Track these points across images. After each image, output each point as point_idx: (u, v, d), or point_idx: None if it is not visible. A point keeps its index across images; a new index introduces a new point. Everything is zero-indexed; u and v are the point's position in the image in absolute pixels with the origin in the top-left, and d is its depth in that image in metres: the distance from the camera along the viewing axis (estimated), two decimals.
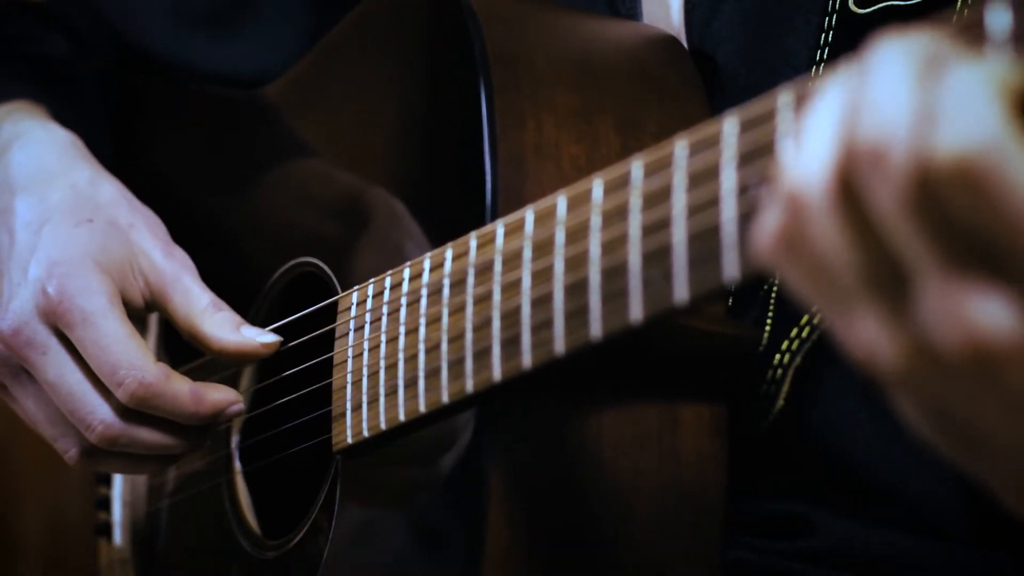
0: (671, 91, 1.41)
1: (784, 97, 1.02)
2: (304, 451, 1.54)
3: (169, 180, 1.82)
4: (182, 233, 1.64)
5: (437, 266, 1.34)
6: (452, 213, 1.37)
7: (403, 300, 1.37)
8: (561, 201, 1.23)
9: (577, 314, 1.20)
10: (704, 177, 1.09)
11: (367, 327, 1.42)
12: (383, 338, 1.39)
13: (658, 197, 1.13)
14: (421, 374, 1.33)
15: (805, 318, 1.35)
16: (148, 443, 1.52)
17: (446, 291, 1.32)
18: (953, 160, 0.87)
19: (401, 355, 1.36)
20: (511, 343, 1.25)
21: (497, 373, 1.26)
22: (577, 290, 1.20)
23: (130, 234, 1.57)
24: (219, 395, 1.51)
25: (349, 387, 1.43)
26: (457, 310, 1.30)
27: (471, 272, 1.30)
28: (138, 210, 1.60)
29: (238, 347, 1.52)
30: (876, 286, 0.93)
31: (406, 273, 1.38)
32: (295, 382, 1.55)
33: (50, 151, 1.64)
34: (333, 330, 1.47)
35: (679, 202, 1.11)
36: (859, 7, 1.38)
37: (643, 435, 1.32)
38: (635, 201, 1.15)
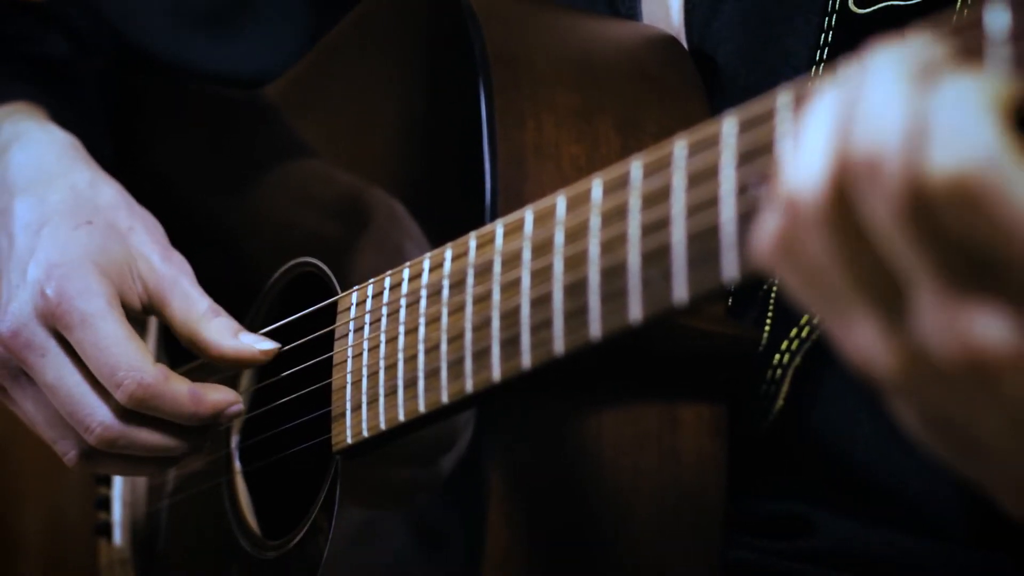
0: (671, 91, 1.41)
1: (783, 97, 1.02)
2: (304, 451, 1.54)
3: (169, 180, 1.82)
4: (182, 233, 1.64)
5: (436, 266, 1.34)
6: (452, 213, 1.37)
7: (403, 300, 1.37)
8: (560, 201, 1.23)
9: (576, 314, 1.20)
10: (703, 177, 1.09)
11: (367, 327, 1.42)
12: (383, 338, 1.39)
13: (657, 197, 1.13)
14: (421, 374, 1.33)
15: (805, 318, 1.35)
16: (147, 445, 1.51)
17: (445, 291, 1.32)
18: (948, 177, 0.87)
19: (401, 355, 1.36)
20: (510, 343, 1.25)
21: (496, 373, 1.26)
22: (576, 290, 1.20)
23: (129, 237, 1.56)
24: (218, 396, 1.51)
25: (349, 387, 1.42)
26: (456, 310, 1.30)
27: (470, 272, 1.30)
28: (137, 213, 1.60)
29: (236, 353, 1.52)
30: (872, 295, 0.93)
31: (406, 273, 1.37)
32: (295, 382, 1.55)
33: (49, 152, 1.64)
34: (333, 330, 1.47)
35: (678, 202, 1.11)
36: (859, 7, 1.38)
37: (643, 435, 1.32)
38: (634, 201, 1.15)
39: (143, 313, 1.56)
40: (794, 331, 1.35)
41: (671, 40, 1.46)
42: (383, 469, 1.43)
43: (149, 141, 1.86)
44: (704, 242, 1.08)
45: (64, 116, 1.71)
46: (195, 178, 1.80)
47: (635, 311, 1.15)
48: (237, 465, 1.63)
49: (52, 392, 1.51)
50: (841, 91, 0.93)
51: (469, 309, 1.29)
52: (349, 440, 1.42)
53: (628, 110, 1.39)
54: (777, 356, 1.36)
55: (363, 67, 1.56)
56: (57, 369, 1.51)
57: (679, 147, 1.12)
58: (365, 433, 1.40)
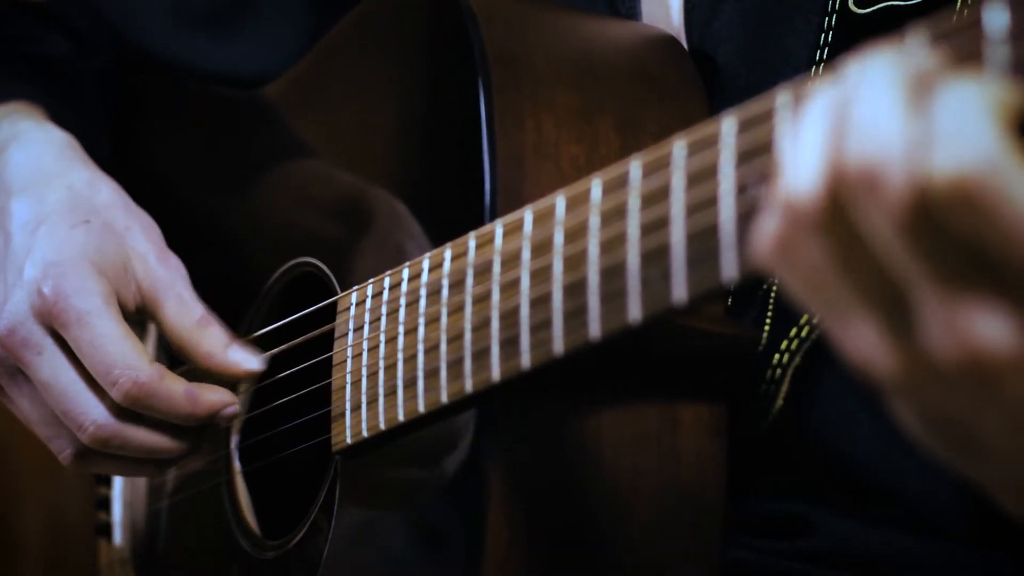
0: (671, 91, 1.41)
1: (782, 97, 1.02)
2: (304, 451, 1.54)
3: (169, 180, 1.82)
4: (182, 233, 1.63)
5: (436, 266, 1.34)
6: (451, 213, 1.37)
7: (402, 300, 1.37)
8: (560, 201, 1.23)
9: (576, 314, 1.20)
10: (702, 177, 1.08)
11: (366, 327, 1.42)
12: (382, 338, 1.39)
13: (656, 197, 1.13)
14: (420, 374, 1.33)
15: (804, 318, 1.35)
16: (141, 445, 1.51)
17: (445, 291, 1.32)
18: (951, 180, 0.87)
19: (400, 355, 1.36)
20: (510, 343, 1.25)
21: (496, 373, 1.26)
22: (576, 290, 1.20)
23: (126, 238, 1.56)
24: (215, 396, 1.51)
25: (348, 387, 1.42)
26: (456, 310, 1.30)
27: (470, 272, 1.30)
28: (135, 214, 1.60)
29: (223, 366, 1.53)
30: (872, 297, 0.93)
31: (405, 273, 1.37)
32: (295, 382, 1.55)
33: (48, 152, 1.64)
34: (332, 330, 1.47)
35: (677, 202, 1.11)
36: (859, 7, 1.38)
37: (643, 435, 1.32)
38: (633, 201, 1.15)
39: (136, 314, 1.56)
40: (794, 331, 1.35)
41: (671, 40, 1.46)
42: (383, 469, 1.43)
43: (149, 141, 1.86)
44: (703, 242, 1.08)
45: (63, 116, 1.71)
46: (195, 178, 1.80)
47: (634, 311, 1.15)
48: (237, 465, 1.63)
49: (47, 390, 1.51)
50: (834, 98, 0.93)
51: (468, 309, 1.29)
52: (349, 440, 1.42)
53: (628, 110, 1.38)
54: (777, 356, 1.36)
55: (363, 67, 1.56)
56: (52, 367, 1.51)
57: (678, 147, 1.12)
58: (365, 433, 1.40)
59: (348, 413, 1.42)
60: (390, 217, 1.46)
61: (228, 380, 1.55)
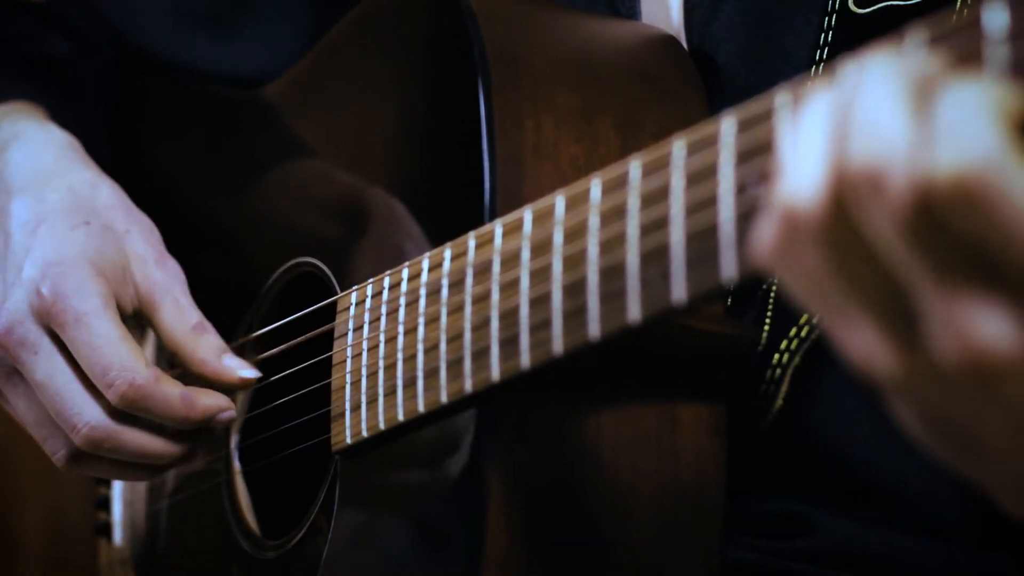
0: (671, 91, 1.41)
1: (782, 97, 1.02)
2: (303, 451, 1.54)
3: (169, 180, 1.82)
4: (182, 233, 1.63)
5: (436, 266, 1.34)
6: (451, 213, 1.37)
7: (402, 300, 1.37)
8: (559, 201, 1.23)
9: (575, 314, 1.20)
10: (702, 176, 1.08)
11: (366, 327, 1.42)
12: (382, 338, 1.39)
13: (656, 197, 1.13)
14: (420, 374, 1.33)
15: (804, 318, 1.35)
16: (135, 448, 1.51)
17: (444, 291, 1.32)
18: (953, 179, 0.87)
19: (400, 355, 1.36)
20: (509, 343, 1.25)
21: (495, 373, 1.26)
22: (575, 290, 1.20)
23: (125, 240, 1.56)
24: (210, 400, 1.51)
25: (348, 387, 1.42)
26: (456, 310, 1.30)
27: (469, 272, 1.30)
28: (135, 217, 1.60)
29: (216, 375, 1.53)
30: (871, 299, 0.93)
31: (405, 273, 1.37)
32: (294, 382, 1.55)
33: (48, 152, 1.64)
34: (332, 330, 1.47)
35: (677, 202, 1.11)
36: (859, 7, 1.38)
37: (642, 435, 1.32)
38: (633, 201, 1.15)
39: (134, 317, 1.56)
40: (793, 331, 1.35)
41: (671, 40, 1.46)
42: (382, 469, 1.43)
43: (149, 141, 1.86)
44: (703, 242, 1.08)
45: (63, 116, 1.71)
46: (195, 178, 1.80)
47: (634, 311, 1.15)
48: (237, 465, 1.63)
49: (42, 390, 1.51)
50: (835, 100, 0.93)
51: (468, 309, 1.29)
52: (348, 440, 1.42)
53: (628, 110, 1.38)
54: (776, 356, 1.36)
55: (363, 67, 1.56)
56: (48, 367, 1.50)
57: (678, 147, 1.12)
58: (364, 433, 1.40)
59: (348, 413, 1.42)
60: (390, 217, 1.46)
61: (221, 388, 1.55)
